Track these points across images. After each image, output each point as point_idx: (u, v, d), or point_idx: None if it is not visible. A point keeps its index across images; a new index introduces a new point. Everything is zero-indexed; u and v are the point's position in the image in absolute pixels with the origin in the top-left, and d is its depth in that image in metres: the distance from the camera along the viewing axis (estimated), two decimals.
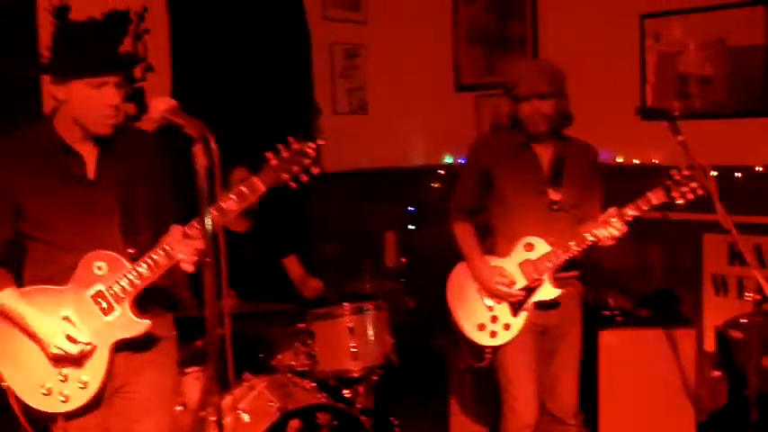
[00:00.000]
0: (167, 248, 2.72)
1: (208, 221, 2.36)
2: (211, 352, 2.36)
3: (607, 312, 4.48)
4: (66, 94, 2.66)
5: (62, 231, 2.74)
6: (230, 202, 2.70)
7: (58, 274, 2.76)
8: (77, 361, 2.74)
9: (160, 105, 2.48)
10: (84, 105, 2.65)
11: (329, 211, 5.56)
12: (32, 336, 2.73)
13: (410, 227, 6.18)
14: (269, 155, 2.71)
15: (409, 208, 6.17)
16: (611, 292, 4.60)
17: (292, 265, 4.65)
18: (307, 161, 2.72)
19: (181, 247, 2.70)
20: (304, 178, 2.73)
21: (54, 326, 2.71)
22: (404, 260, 6.05)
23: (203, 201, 2.33)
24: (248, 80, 5.13)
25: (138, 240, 2.82)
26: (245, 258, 3.79)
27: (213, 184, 2.33)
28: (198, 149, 2.31)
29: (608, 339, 4.28)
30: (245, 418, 3.64)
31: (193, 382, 3.75)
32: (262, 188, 2.72)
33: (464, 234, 3.73)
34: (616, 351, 4.27)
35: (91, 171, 2.76)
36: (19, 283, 2.80)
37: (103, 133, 2.71)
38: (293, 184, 2.73)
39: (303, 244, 4.89)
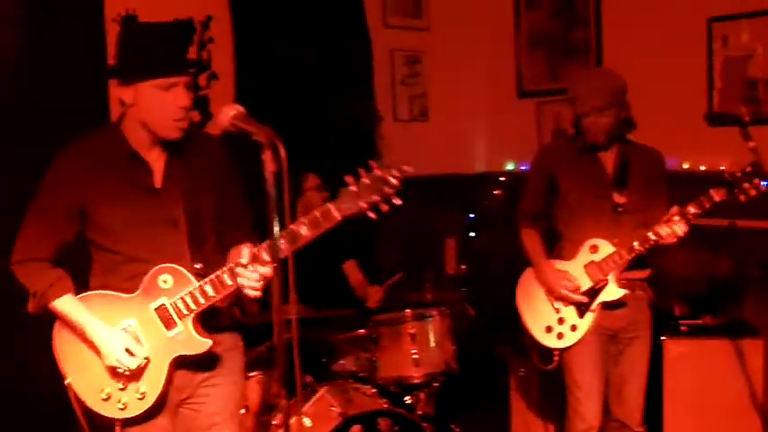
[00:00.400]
0: (234, 270, 2.66)
1: (277, 238, 2.31)
2: (279, 357, 2.36)
3: (672, 321, 4.43)
4: (134, 97, 2.62)
5: (127, 241, 2.71)
6: (302, 228, 2.56)
7: (123, 283, 2.74)
8: (135, 374, 2.71)
9: (229, 112, 2.45)
10: (153, 108, 2.61)
11: (389, 217, 5.55)
12: (92, 345, 2.72)
13: (471, 234, 6.15)
14: (348, 180, 2.52)
15: (470, 215, 6.15)
16: (676, 301, 4.56)
17: (352, 271, 4.66)
18: (388, 190, 2.51)
19: (246, 273, 2.62)
20: (384, 208, 2.53)
21: (114, 337, 2.69)
22: (464, 267, 6.03)
23: (271, 207, 2.30)
24: (310, 88, 5.17)
25: (204, 251, 2.80)
26: (306, 263, 3.78)
27: (282, 190, 2.28)
28: (267, 156, 2.28)
29: (673, 349, 4.24)
30: (307, 422, 3.65)
31: (255, 386, 3.80)
32: (337, 217, 2.55)
33: (530, 240, 3.79)
34: (681, 361, 4.22)
35: (158, 179, 2.74)
36: (82, 290, 2.78)
37: (172, 138, 2.67)
38: (372, 215, 2.54)
39: (363, 250, 4.89)
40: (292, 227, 2.53)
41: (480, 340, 4.97)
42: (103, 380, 2.73)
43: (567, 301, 3.66)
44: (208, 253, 2.81)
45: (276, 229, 2.31)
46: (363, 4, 5.48)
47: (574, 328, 3.65)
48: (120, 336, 2.69)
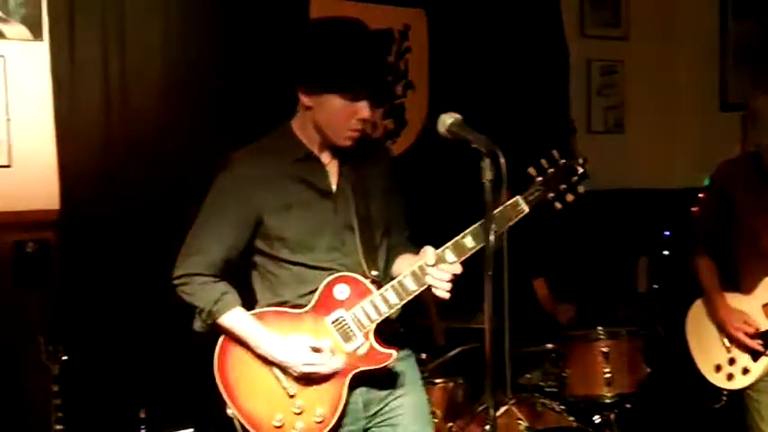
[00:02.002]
0: (418, 273, 2.59)
1: (491, 237, 2.30)
2: (488, 368, 2.35)
3: None
4: (316, 103, 2.54)
5: (303, 248, 2.62)
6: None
7: (296, 295, 2.65)
8: (315, 395, 2.61)
9: (447, 119, 2.45)
10: (333, 116, 2.54)
11: (581, 232, 5.54)
12: (269, 361, 2.61)
13: (664, 252, 6.03)
14: (531, 171, 2.58)
15: (665, 232, 6.03)
16: None
17: (540, 288, 4.70)
18: (573, 179, 2.58)
19: (435, 272, 2.54)
20: (569, 198, 2.60)
21: (295, 342, 2.59)
22: (656, 286, 5.91)
23: (489, 215, 2.30)
24: (504, 98, 5.18)
25: (375, 260, 2.72)
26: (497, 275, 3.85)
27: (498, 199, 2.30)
28: (485, 164, 2.28)
29: None
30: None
31: (440, 394, 3.82)
32: (525, 208, 2.57)
33: (704, 268, 3.61)
34: None
35: (333, 182, 2.67)
36: (247, 308, 2.70)
37: (343, 146, 2.61)
38: (558, 205, 2.60)
39: (552, 267, 4.87)
40: (486, 221, 2.45)
41: (671, 363, 4.68)
42: (277, 404, 2.62)
43: (742, 344, 3.49)
44: (379, 261, 2.74)
45: (492, 237, 2.30)
46: (560, 13, 5.48)
47: (746, 371, 3.49)
48: (301, 338, 2.60)
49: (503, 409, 3.74)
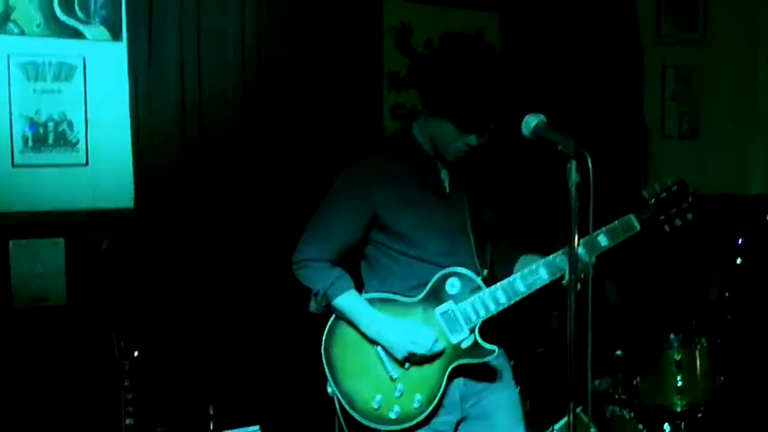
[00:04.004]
0: (528, 276, 2.64)
1: (577, 248, 2.28)
2: (569, 373, 2.29)
3: None
4: (432, 117, 2.63)
5: (418, 243, 2.68)
6: (601, 237, 2.64)
7: (405, 287, 2.71)
8: (416, 381, 2.65)
9: (531, 121, 2.42)
10: (444, 139, 2.62)
11: (651, 237, 5.37)
12: (375, 343, 2.68)
13: (737, 260, 5.80)
14: (645, 193, 2.67)
15: (739, 239, 5.82)
16: None
17: (610, 291, 4.56)
18: (684, 204, 2.68)
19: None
20: (678, 222, 2.69)
21: (403, 327, 2.64)
22: (727, 294, 5.61)
23: (573, 220, 2.25)
24: (578, 102, 5.07)
25: (485, 260, 2.77)
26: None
27: (588, 203, 2.25)
28: (571, 166, 2.23)
29: None
30: None
31: None
32: (637, 227, 2.66)
33: None
34: None
35: (447, 185, 2.73)
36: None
37: (449, 161, 2.69)
38: (667, 228, 2.69)
39: (622, 271, 4.63)
40: (592, 236, 2.56)
41: (744, 371, 4.67)
42: (378, 385, 2.67)
43: None
44: (488, 263, 2.79)
45: (576, 238, 2.27)
46: (636, 17, 5.29)
47: None
48: (409, 322, 2.65)
49: (569, 417, 3.65)
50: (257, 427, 3.80)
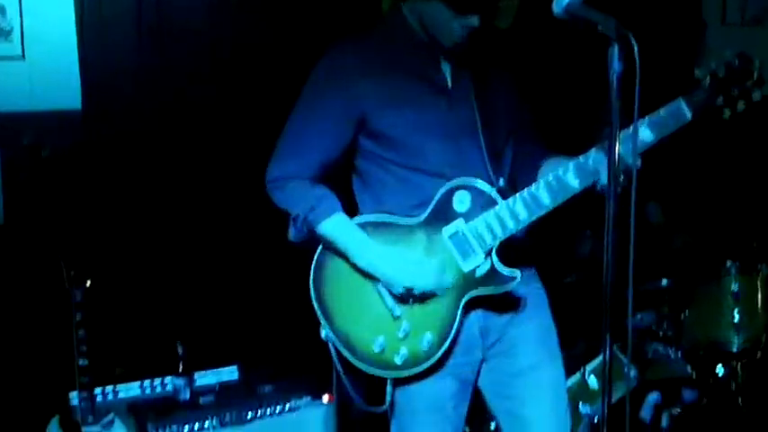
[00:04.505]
0: (554, 184, 2.51)
1: (618, 146, 2.13)
2: (605, 303, 2.16)
3: None
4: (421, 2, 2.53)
5: (416, 150, 2.56)
6: (643, 130, 2.47)
7: (406, 206, 2.60)
8: (424, 319, 2.57)
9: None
10: (436, 20, 2.50)
11: (707, 149, 5.08)
12: (372, 276, 2.58)
13: None
14: (699, 73, 2.48)
15: None
16: None
17: (653, 208, 4.52)
18: (748, 82, 2.45)
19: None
20: (740, 106, 2.47)
21: (401, 257, 2.56)
22: None
23: (614, 115, 2.10)
24: None
25: (501, 167, 2.65)
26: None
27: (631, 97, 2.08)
28: (613, 51, 2.07)
29: None
30: (593, 382, 3.52)
31: None
32: (688, 115, 2.46)
33: None
34: None
35: (449, 77, 2.60)
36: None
37: (449, 48, 2.55)
38: (727, 112, 2.48)
39: (671, 188, 4.62)
40: (632, 129, 2.33)
41: None
42: (379, 326, 2.58)
43: None
44: (504, 171, 2.66)
45: (617, 136, 2.11)
46: None
47: None
48: (409, 251, 2.55)
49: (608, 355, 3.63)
50: (235, 368, 3.83)
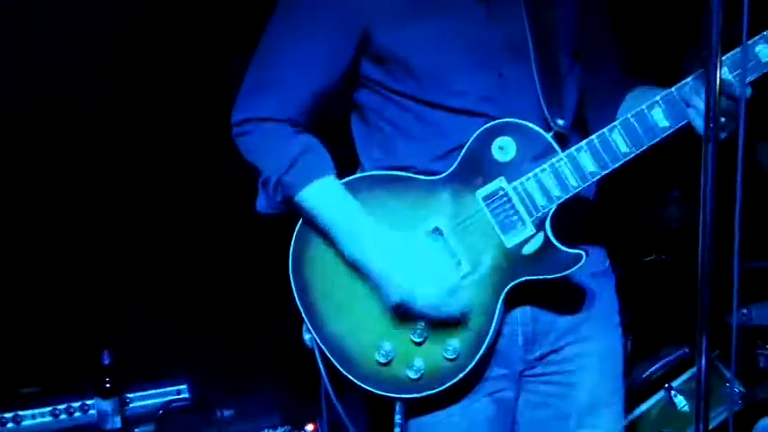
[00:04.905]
0: (634, 124, 2.28)
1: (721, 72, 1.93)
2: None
3: None
4: None
5: (438, 78, 2.30)
6: (760, 48, 2.26)
7: (426, 157, 2.33)
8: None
9: None
10: None
11: None
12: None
13: None
14: None
15: None
16: None
17: (764, 153, 4.20)
18: None
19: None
20: None
21: (405, 250, 2.32)
22: None
23: (714, 32, 1.92)
24: None
25: (561, 103, 2.40)
26: None
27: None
28: None
29: None
30: (682, 403, 3.40)
31: None
32: None
33: None
34: None
35: None
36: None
37: None
38: None
39: None
40: (743, 48, 2.15)
41: None
42: (382, 328, 2.33)
43: None
44: (567, 105, 2.44)
45: (718, 58, 1.92)
46: None
47: None
48: (419, 244, 2.30)
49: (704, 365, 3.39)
50: (184, 386, 3.57)
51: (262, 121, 2.34)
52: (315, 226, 2.34)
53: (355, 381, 2.28)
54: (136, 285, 3.94)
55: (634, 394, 3.53)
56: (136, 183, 4.03)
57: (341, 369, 2.30)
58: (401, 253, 2.28)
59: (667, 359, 3.60)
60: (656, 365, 3.60)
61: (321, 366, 2.33)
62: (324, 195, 2.30)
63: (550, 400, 2.43)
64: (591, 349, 2.43)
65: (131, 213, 4.02)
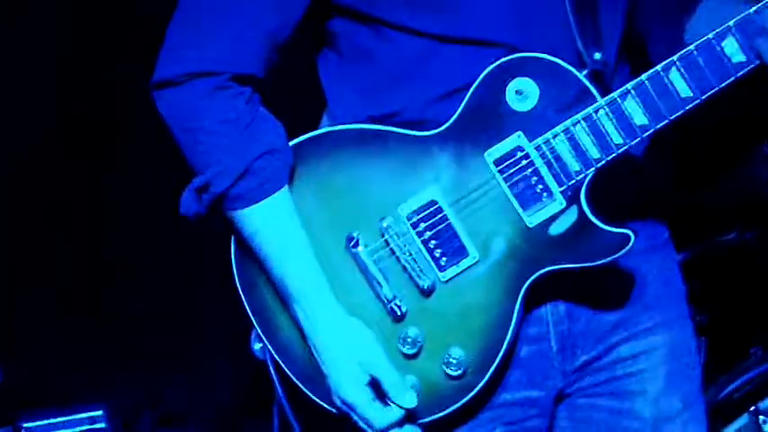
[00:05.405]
0: (696, 57, 1.97)
1: None
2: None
3: None
4: None
5: (437, 5, 2.04)
6: None
7: (419, 100, 2.01)
8: (449, 314, 2.08)
9: None
10: None
11: None
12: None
13: None
14: None
15: None
16: None
17: None
18: None
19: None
20: None
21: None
22: None
23: None
24: None
25: (599, 31, 2.10)
26: None
27: None
28: None
29: None
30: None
31: None
32: None
33: None
34: None
35: None
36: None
37: None
38: None
39: None
40: None
41: None
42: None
43: None
44: (609, 33, 2.11)
45: None
46: None
47: None
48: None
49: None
50: (100, 412, 3.35)
51: (200, 76, 1.93)
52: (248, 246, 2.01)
53: (323, 405, 1.92)
54: (39, 291, 3.73)
55: (710, 417, 2.99)
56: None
57: (304, 389, 1.97)
58: (351, 352, 1.94)
59: (749, 375, 3.20)
60: (736, 383, 3.19)
61: (277, 385, 2.05)
62: (271, 219, 2.01)
63: (610, 420, 2.10)
64: (655, 343, 2.14)
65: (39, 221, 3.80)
